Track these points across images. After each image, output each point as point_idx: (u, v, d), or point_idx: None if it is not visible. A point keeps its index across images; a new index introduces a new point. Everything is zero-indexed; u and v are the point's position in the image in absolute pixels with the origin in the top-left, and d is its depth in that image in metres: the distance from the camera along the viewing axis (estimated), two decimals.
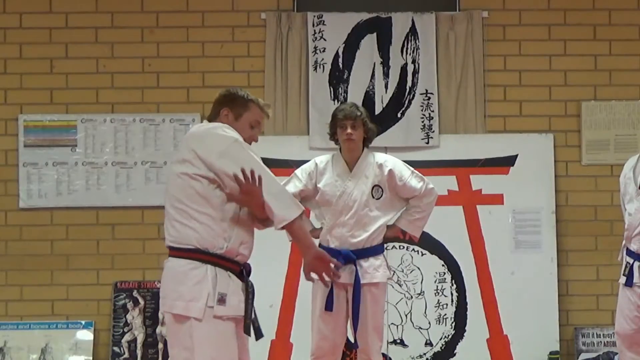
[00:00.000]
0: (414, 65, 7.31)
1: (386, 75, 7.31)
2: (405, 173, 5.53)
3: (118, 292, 7.21)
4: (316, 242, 5.58)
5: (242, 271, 4.00)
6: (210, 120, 4.14)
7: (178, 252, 3.94)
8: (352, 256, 5.41)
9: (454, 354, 7.16)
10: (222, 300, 3.86)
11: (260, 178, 3.88)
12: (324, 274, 4.05)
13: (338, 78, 7.30)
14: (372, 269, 5.47)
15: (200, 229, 3.89)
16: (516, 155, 7.24)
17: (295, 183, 5.59)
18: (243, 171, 3.85)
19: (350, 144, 5.52)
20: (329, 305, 5.43)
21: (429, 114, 7.27)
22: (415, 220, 5.61)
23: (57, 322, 7.19)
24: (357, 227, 5.47)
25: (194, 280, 3.87)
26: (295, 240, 4.11)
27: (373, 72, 7.31)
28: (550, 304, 7.12)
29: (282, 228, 3.95)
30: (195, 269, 3.88)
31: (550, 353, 7.03)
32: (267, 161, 4.06)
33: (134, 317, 7.17)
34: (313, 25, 7.29)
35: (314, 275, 4.08)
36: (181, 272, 3.89)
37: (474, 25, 7.32)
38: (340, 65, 7.31)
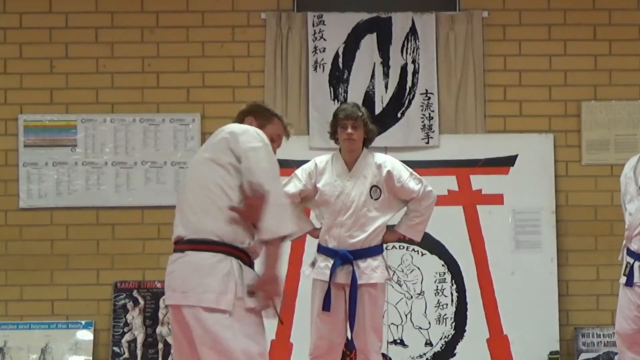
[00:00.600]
0: (414, 65, 7.30)
1: (386, 75, 7.30)
2: (404, 174, 5.51)
3: (118, 292, 7.21)
4: (316, 241, 5.62)
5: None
6: None
7: (198, 245, 3.92)
8: (349, 257, 5.41)
9: (454, 354, 7.15)
10: (251, 292, 3.88)
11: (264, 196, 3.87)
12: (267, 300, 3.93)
13: (338, 78, 7.29)
14: (370, 270, 5.45)
15: (227, 222, 3.89)
16: (516, 155, 7.23)
17: (295, 183, 5.58)
18: (251, 184, 3.85)
19: (350, 144, 5.51)
20: (326, 305, 5.43)
21: (429, 114, 7.27)
22: (415, 225, 5.59)
23: (57, 322, 7.18)
24: (355, 228, 5.46)
25: (222, 273, 3.86)
26: (268, 256, 3.92)
27: (373, 72, 7.30)
28: (550, 304, 7.12)
29: (266, 241, 3.86)
30: (221, 262, 3.87)
31: (550, 353, 7.03)
32: None
33: (134, 317, 7.17)
34: (313, 25, 7.29)
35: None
36: (207, 265, 3.88)
37: (474, 25, 7.32)
38: (340, 65, 7.31)
